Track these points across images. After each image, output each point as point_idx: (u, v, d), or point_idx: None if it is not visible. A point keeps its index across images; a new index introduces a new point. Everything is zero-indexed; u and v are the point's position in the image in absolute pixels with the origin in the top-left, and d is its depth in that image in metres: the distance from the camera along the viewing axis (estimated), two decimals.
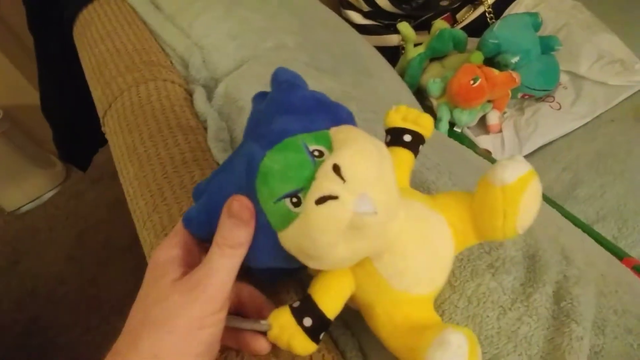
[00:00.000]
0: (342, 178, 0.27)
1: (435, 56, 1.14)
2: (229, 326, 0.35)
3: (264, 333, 0.35)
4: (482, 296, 0.37)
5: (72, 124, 1.02)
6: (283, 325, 0.33)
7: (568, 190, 0.93)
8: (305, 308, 0.33)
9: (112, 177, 0.59)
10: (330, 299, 0.34)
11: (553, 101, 1.06)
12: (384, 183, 0.30)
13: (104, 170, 1.91)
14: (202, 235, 0.35)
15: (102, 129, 0.66)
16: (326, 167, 0.28)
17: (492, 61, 1.06)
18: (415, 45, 1.16)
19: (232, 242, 0.32)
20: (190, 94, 0.67)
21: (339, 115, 0.35)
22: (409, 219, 0.34)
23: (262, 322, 0.34)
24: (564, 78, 1.09)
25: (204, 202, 0.35)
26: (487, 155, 0.97)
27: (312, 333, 0.33)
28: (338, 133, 0.32)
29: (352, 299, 0.35)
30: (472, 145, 0.99)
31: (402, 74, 1.12)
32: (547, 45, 1.06)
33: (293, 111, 0.33)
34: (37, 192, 2.00)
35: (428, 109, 1.06)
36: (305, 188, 0.29)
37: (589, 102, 1.05)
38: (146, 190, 0.52)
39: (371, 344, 0.40)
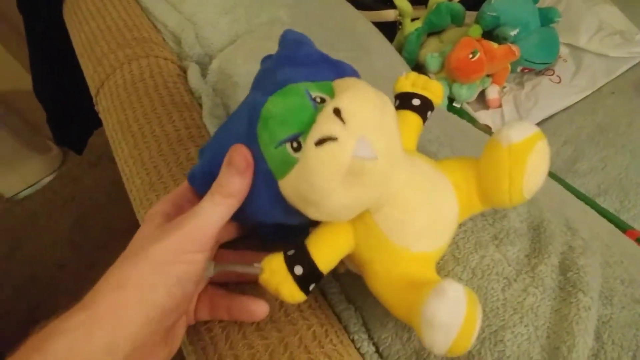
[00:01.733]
0: (342, 120, 0.27)
1: (433, 31, 1.12)
2: (221, 272, 0.36)
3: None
4: (486, 268, 0.37)
5: (65, 105, 1.01)
6: (274, 269, 0.33)
7: (569, 164, 0.92)
8: (298, 256, 0.33)
9: (109, 160, 0.58)
10: (324, 252, 0.33)
11: (553, 74, 1.05)
12: (385, 129, 0.29)
13: (101, 153, 1.90)
14: (204, 190, 0.34)
15: (95, 107, 0.65)
16: (327, 110, 0.28)
17: (490, 34, 1.04)
18: (413, 20, 1.13)
19: (225, 190, 0.32)
20: (183, 70, 0.65)
21: (343, 70, 0.34)
22: (413, 174, 0.33)
23: (255, 264, 0.34)
24: (563, 51, 1.07)
25: (206, 158, 0.35)
26: (487, 130, 0.96)
27: (301, 282, 0.33)
28: (341, 83, 0.32)
29: (351, 258, 0.35)
30: (471, 121, 0.98)
31: (399, 50, 1.10)
32: (547, 18, 1.04)
33: (298, 63, 0.33)
34: (34, 177, 1.98)
35: None
36: (305, 132, 0.29)
37: (589, 75, 1.03)
38: (142, 169, 0.51)
39: (374, 318, 0.39)
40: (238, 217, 0.34)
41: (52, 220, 1.91)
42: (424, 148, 0.46)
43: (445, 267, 0.37)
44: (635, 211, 0.82)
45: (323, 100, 0.31)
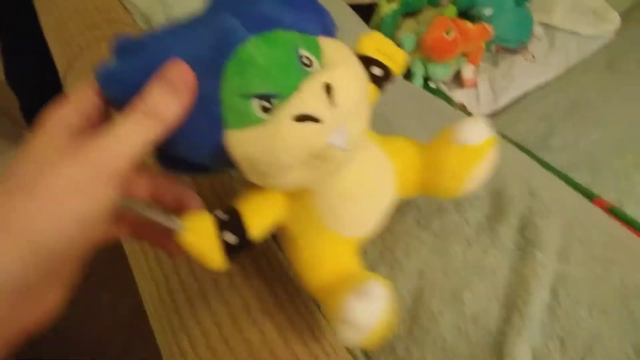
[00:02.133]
0: (332, 101, 0.25)
1: (409, 12, 1.12)
2: (136, 213, 0.30)
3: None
4: (447, 230, 0.37)
5: (37, 90, 1.00)
6: (201, 232, 0.29)
7: (542, 140, 0.93)
8: (231, 222, 0.30)
9: None
10: (259, 220, 0.31)
11: (527, 53, 1.06)
12: (362, 118, 0.28)
13: None
14: (119, 99, 0.28)
15: (64, 90, 0.64)
16: (317, 83, 0.25)
17: (465, 14, 1.04)
18: (389, 1, 1.14)
19: (153, 111, 0.26)
20: None
21: (327, 24, 0.31)
22: (362, 160, 0.32)
23: (176, 219, 0.29)
24: (537, 29, 1.08)
25: (140, 61, 0.27)
26: (463, 109, 0.97)
27: (231, 251, 0.30)
28: (328, 46, 0.28)
29: (278, 226, 0.33)
30: (447, 100, 0.99)
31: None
32: None
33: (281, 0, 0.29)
34: None
35: None
36: (283, 95, 0.25)
37: (562, 53, 1.05)
38: None
39: None
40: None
41: None
42: (389, 120, 0.47)
43: (409, 232, 0.38)
44: (606, 185, 0.83)
45: (310, 63, 0.27)
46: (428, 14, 1.11)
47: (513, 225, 0.37)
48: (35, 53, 0.90)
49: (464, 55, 1.02)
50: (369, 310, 0.28)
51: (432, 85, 1.02)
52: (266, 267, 0.40)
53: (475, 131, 0.32)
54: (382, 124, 0.44)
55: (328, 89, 0.25)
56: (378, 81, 0.35)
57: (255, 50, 0.25)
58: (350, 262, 0.34)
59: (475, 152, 0.32)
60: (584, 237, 0.39)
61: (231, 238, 0.30)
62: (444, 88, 1.03)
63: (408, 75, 1.01)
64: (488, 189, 0.40)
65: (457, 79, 1.06)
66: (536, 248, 0.35)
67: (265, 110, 0.26)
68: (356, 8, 1.00)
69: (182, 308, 0.38)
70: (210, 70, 0.26)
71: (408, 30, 1.09)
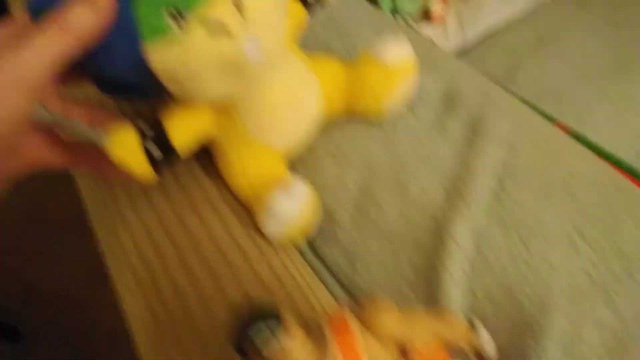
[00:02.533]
0: (242, 16, 0.26)
1: None
2: (60, 127, 0.30)
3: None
4: (398, 124, 0.36)
5: None
6: (125, 143, 0.29)
7: (509, 73, 0.92)
8: (156, 136, 0.30)
9: None
10: (184, 134, 0.31)
11: None
12: (275, 31, 0.28)
13: None
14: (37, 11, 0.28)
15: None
16: None
17: None
18: None
19: (67, 22, 0.25)
20: None
21: None
22: (286, 72, 0.33)
23: (100, 132, 0.29)
24: None
25: None
26: (430, 45, 0.95)
27: (155, 164, 0.30)
28: None
29: (207, 139, 0.34)
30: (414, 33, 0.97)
31: None
32: None
33: None
34: None
35: None
36: (192, 6, 0.25)
37: None
38: None
39: None
40: (81, 64, 0.28)
41: None
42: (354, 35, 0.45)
43: (365, 131, 0.37)
44: (570, 117, 0.84)
45: None
46: None
47: (463, 119, 0.37)
48: None
49: None
50: (291, 204, 0.31)
51: (399, 19, 0.99)
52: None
53: (396, 51, 0.34)
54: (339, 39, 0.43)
55: (237, 3, 0.26)
56: (307, 3, 0.36)
57: None
58: (277, 170, 0.35)
59: (394, 72, 0.34)
60: (533, 134, 0.39)
61: (157, 152, 0.30)
62: (411, 23, 1.01)
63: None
64: (440, 88, 0.40)
65: (426, 14, 1.03)
66: (485, 140, 0.35)
67: (176, 20, 0.25)
68: None
69: (123, 205, 0.37)
70: None
71: None
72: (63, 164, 0.33)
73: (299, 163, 0.37)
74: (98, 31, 0.26)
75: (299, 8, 0.36)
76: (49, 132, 0.31)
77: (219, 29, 0.25)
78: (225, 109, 0.32)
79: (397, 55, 0.34)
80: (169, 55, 0.26)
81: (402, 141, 0.36)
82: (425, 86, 0.39)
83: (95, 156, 0.31)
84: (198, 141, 0.33)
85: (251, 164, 0.34)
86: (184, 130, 0.31)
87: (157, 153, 0.30)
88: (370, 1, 1.00)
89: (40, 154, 0.31)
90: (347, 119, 0.38)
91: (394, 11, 0.99)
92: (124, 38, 0.26)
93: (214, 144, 0.35)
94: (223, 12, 0.25)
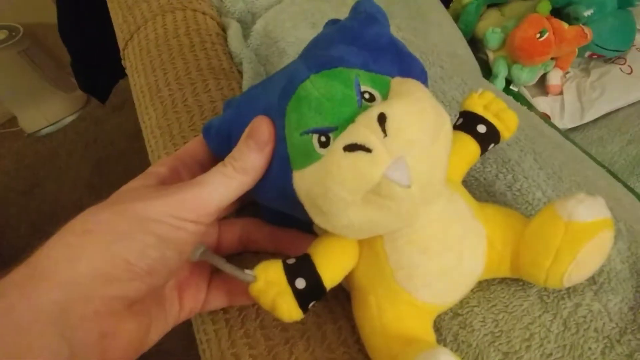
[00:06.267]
0: (384, 131, 0.23)
1: (495, 2, 1.02)
2: (211, 265, 0.31)
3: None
4: (582, 321, 0.30)
5: (90, 51, 0.94)
6: (271, 280, 0.28)
7: (633, 165, 0.83)
8: (301, 267, 0.29)
9: (133, 106, 0.52)
10: (331, 266, 0.29)
11: (624, 64, 0.94)
12: (431, 155, 0.25)
13: (126, 98, 1.84)
14: (218, 149, 0.32)
15: (122, 62, 0.58)
16: (370, 113, 0.24)
17: (559, 12, 0.94)
18: None
19: (239, 164, 0.28)
20: (223, 28, 0.58)
21: (409, 67, 0.30)
22: (446, 212, 0.29)
23: (247, 271, 0.29)
24: (638, 39, 0.96)
25: (229, 113, 0.31)
26: (545, 119, 0.87)
27: (302, 298, 0.28)
28: (399, 84, 0.27)
29: (348, 280, 0.31)
30: (529, 108, 0.89)
31: (454, 20, 1.00)
32: None
33: (360, 44, 0.29)
34: (57, 115, 1.94)
35: (482, 62, 0.95)
36: (339, 129, 0.25)
37: None
38: (170, 143, 0.44)
39: None
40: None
41: (73, 160, 1.88)
42: (503, 153, 0.39)
43: (530, 312, 0.31)
44: None
45: (372, 97, 0.27)
46: (515, 6, 1.01)
47: None
48: (91, 8, 0.84)
49: (553, 58, 0.92)
50: None
51: (513, 88, 0.92)
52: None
53: (588, 208, 0.27)
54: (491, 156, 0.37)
55: (381, 118, 0.23)
56: (481, 139, 0.33)
57: (312, 86, 0.26)
58: (420, 329, 0.30)
59: (583, 231, 0.27)
60: None
61: (302, 283, 0.28)
62: (525, 93, 0.93)
63: (489, 75, 0.92)
64: (628, 263, 0.33)
65: (541, 83, 0.95)
66: None
67: (324, 145, 0.26)
68: None
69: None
70: (280, 114, 0.27)
71: (492, 22, 0.99)
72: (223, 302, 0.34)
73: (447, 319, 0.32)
74: (264, 167, 0.28)
75: (471, 144, 0.33)
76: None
77: (359, 148, 0.23)
78: (370, 241, 0.29)
79: (590, 215, 0.27)
80: (310, 178, 0.26)
81: (591, 344, 0.29)
82: (611, 260, 0.32)
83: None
84: (345, 273, 0.30)
85: (390, 315, 0.29)
86: (330, 261, 0.29)
87: (304, 287, 0.28)
88: (485, 71, 0.94)
89: (198, 294, 0.34)
90: (514, 291, 0.32)
91: (509, 81, 0.91)
92: (275, 164, 0.28)
93: (351, 276, 0.31)
94: (364, 129, 0.24)
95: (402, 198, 0.24)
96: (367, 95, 0.26)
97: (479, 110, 0.33)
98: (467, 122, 0.33)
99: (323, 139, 0.26)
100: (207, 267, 0.34)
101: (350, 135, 0.24)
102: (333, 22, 0.33)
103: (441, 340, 0.32)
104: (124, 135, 1.87)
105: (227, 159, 0.29)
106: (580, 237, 0.27)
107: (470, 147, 0.33)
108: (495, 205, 0.33)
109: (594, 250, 0.28)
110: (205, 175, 0.28)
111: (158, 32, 0.53)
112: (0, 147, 1.97)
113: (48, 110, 1.92)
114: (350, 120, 0.25)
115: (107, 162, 1.83)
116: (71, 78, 1.92)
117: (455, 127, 0.34)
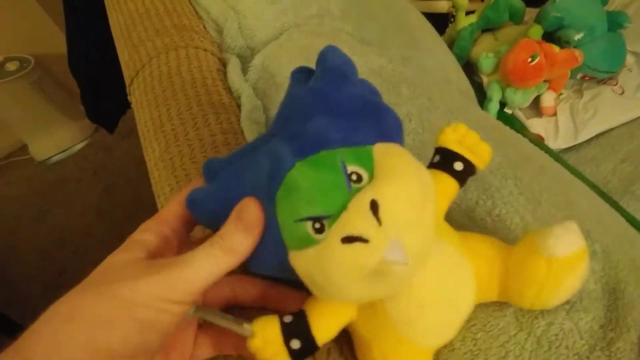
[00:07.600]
0: (378, 219, 0.24)
1: (489, 27, 1.05)
2: (207, 320, 0.32)
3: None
4: (554, 339, 0.32)
5: (98, 84, 0.98)
6: (268, 339, 0.30)
7: (626, 184, 0.85)
8: (297, 328, 0.30)
9: None
10: (325, 324, 0.30)
11: (616, 84, 0.97)
12: (422, 229, 0.26)
13: (133, 125, 1.88)
14: (204, 221, 0.32)
15: (129, 97, 0.61)
16: (362, 202, 0.25)
17: (551, 36, 0.97)
18: (467, 13, 1.06)
19: (228, 246, 0.28)
20: (223, 64, 0.61)
21: (385, 124, 0.30)
22: (438, 266, 0.31)
23: (245, 325, 0.30)
24: (629, 59, 0.99)
25: (214, 188, 0.31)
26: (539, 141, 0.90)
27: (296, 357, 0.30)
28: (382, 155, 0.28)
29: (349, 326, 0.32)
30: (522, 129, 0.92)
31: (450, 45, 1.03)
32: (615, 22, 0.96)
33: (336, 112, 0.29)
34: (67, 142, 1.99)
35: (477, 85, 0.97)
36: (333, 215, 0.25)
37: None
38: (172, 175, 0.47)
39: None
40: None
41: (82, 187, 1.92)
42: (484, 179, 0.41)
43: (506, 331, 0.33)
44: None
45: (359, 178, 0.27)
46: (508, 30, 1.04)
47: (632, 340, 0.32)
48: (99, 44, 0.88)
49: (546, 81, 0.95)
50: None
51: (507, 111, 0.95)
52: None
53: (565, 244, 0.29)
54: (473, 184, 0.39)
55: (374, 205, 0.24)
56: (458, 176, 0.34)
57: (299, 175, 0.26)
58: None
59: (563, 266, 0.29)
60: None
61: (297, 344, 0.30)
62: (520, 115, 0.96)
63: (483, 98, 0.94)
64: (601, 283, 0.35)
65: (535, 105, 0.98)
66: None
67: (319, 231, 0.26)
68: (431, 17, 0.94)
69: None
70: (268, 197, 0.27)
71: (485, 47, 1.02)
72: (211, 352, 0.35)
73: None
74: (252, 248, 0.29)
75: (449, 182, 0.34)
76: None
77: (356, 239, 0.24)
78: (370, 302, 0.31)
79: (568, 250, 0.29)
80: (309, 263, 0.26)
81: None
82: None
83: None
84: (340, 328, 0.31)
85: (393, 357, 0.32)
86: (326, 319, 0.30)
87: (299, 348, 0.30)
88: (480, 93, 0.96)
89: (187, 346, 0.34)
90: (492, 311, 0.34)
91: (503, 104, 0.94)
92: (269, 244, 0.28)
93: (353, 327, 0.32)
94: (359, 220, 0.24)
95: (401, 273, 0.25)
96: (354, 177, 0.26)
97: (454, 146, 0.34)
98: (443, 160, 0.34)
99: (317, 225, 0.26)
100: (193, 322, 0.34)
101: (346, 227, 0.25)
102: (299, 73, 0.34)
103: None
104: (132, 162, 1.91)
105: (214, 238, 0.29)
106: (561, 271, 0.29)
107: (448, 184, 0.33)
108: (477, 235, 0.34)
109: (574, 279, 0.30)
110: (192, 253, 0.28)
111: (162, 69, 0.57)
112: (11, 175, 2.01)
113: (58, 137, 1.96)
114: (342, 206, 0.25)
115: (116, 189, 1.87)
116: (80, 106, 1.98)
117: (433, 165, 0.34)
